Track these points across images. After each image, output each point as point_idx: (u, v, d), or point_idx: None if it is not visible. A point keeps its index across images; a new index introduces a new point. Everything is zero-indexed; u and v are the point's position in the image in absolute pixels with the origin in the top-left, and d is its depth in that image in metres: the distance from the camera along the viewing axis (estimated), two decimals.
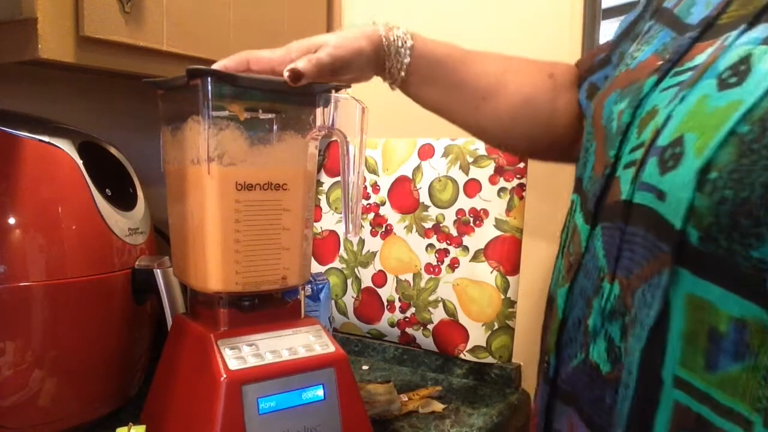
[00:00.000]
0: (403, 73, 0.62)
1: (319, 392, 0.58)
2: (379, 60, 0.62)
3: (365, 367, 0.94)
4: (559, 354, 0.49)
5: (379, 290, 0.96)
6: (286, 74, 0.55)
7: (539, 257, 0.90)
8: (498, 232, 0.87)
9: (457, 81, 0.64)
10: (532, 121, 0.66)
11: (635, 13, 0.60)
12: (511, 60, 0.68)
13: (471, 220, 0.88)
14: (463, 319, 0.89)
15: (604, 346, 0.43)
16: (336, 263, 1.00)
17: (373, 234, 0.96)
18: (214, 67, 0.56)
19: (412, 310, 0.93)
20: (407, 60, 0.62)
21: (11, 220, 0.59)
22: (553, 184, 0.89)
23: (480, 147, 0.89)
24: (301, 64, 0.55)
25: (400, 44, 0.61)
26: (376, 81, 0.63)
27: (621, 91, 0.47)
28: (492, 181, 0.87)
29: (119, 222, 0.66)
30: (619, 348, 0.41)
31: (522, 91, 0.65)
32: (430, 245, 0.91)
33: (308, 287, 0.81)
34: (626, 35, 0.60)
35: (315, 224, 1.01)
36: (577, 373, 0.46)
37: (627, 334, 0.40)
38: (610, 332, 0.42)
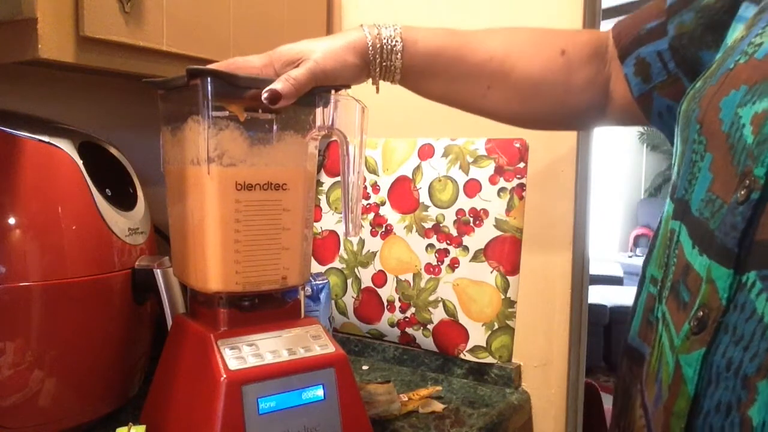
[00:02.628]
0: (397, 76, 0.61)
1: (319, 392, 0.58)
2: (368, 68, 0.60)
3: (365, 367, 0.94)
4: None
5: (379, 290, 0.96)
6: (264, 95, 0.52)
7: (539, 257, 0.90)
8: (498, 232, 0.87)
9: (457, 74, 0.61)
10: (545, 101, 0.62)
11: None
12: (515, 37, 0.62)
13: (471, 220, 0.88)
14: (463, 319, 0.89)
15: None
16: (336, 263, 1.00)
17: (373, 234, 0.96)
18: None
19: (412, 310, 0.93)
20: (398, 64, 0.59)
21: (11, 220, 0.59)
22: (553, 185, 0.89)
23: (480, 147, 0.89)
24: (279, 86, 0.53)
25: (389, 49, 0.59)
26: None
27: (750, 88, 0.37)
28: (492, 181, 0.87)
29: (119, 222, 0.66)
30: None
31: (530, 74, 0.60)
32: (430, 245, 0.91)
33: (308, 287, 0.81)
34: (686, 4, 0.52)
35: (315, 224, 1.01)
36: None
37: None
38: None
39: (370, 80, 0.62)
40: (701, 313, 0.36)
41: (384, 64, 0.59)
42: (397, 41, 0.59)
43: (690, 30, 0.52)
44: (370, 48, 0.59)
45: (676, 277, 0.41)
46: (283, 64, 0.57)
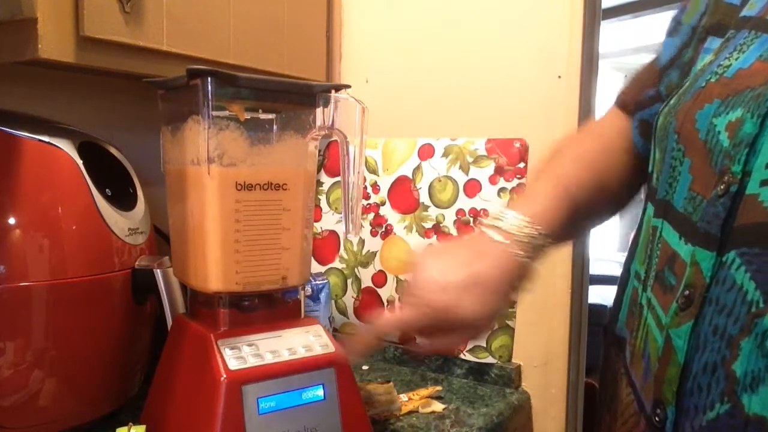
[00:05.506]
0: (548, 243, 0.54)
1: (319, 392, 0.58)
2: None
3: (365, 367, 0.94)
4: (681, 405, 0.41)
5: (379, 290, 0.96)
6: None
7: None
8: None
9: (591, 207, 0.59)
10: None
11: (679, 39, 0.56)
12: (595, 161, 0.61)
13: (471, 220, 0.88)
14: None
15: None
16: (336, 263, 1.00)
17: (373, 234, 0.96)
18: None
19: None
20: (549, 246, 0.53)
21: (11, 220, 0.59)
22: None
23: (480, 147, 0.89)
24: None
25: (534, 245, 0.52)
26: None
27: (723, 102, 0.42)
28: (492, 181, 0.87)
29: (119, 222, 0.66)
30: None
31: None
32: (430, 245, 0.91)
33: (308, 287, 0.81)
34: (672, 64, 0.57)
35: (315, 224, 1.01)
36: (718, 427, 0.39)
37: None
38: None
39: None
40: (687, 291, 0.41)
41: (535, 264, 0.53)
42: (539, 239, 0.52)
43: (676, 85, 0.56)
44: (521, 267, 0.51)
45: (660, 266, 0.46)
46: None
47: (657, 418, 0.43)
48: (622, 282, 0.56)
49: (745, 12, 0.48)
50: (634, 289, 0.52)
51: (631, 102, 0.62)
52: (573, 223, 0.56)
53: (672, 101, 0.49)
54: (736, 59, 0.44)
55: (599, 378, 0.58)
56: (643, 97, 0.61)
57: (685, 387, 0.41)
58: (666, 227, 0.46)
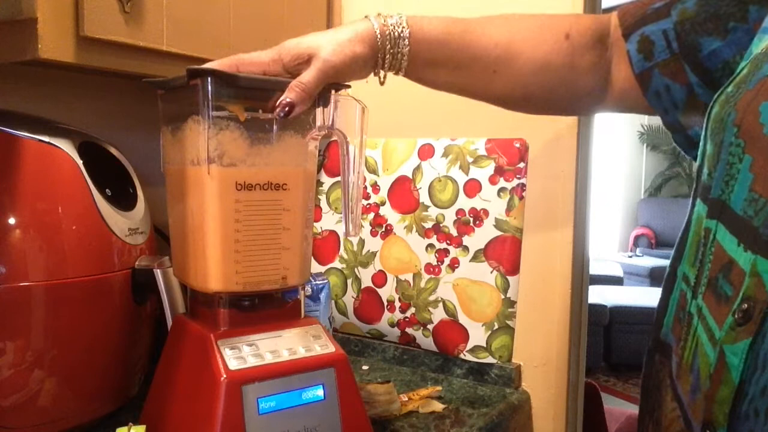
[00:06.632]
0: (404, 64, 0.60)
1: (319, 392, 0.58)
2: (376, 58, 0.60)
3: (365, 367, 0.94)
4: (733, 427, 0.39)
5: (379, 290, 0.96)
6: (277, 111, 0.54)
7: (539, 257, 0.90)
8: (498, 232, 0.87)
9: (463, 60, 0.61)
10: (550, 85, 0.63)
11: None
12: (518, 24, 0.63)
13: (471, 220, 0.88)
14: (463, 319, 0.89)
15: None
16: (336, 263, 1.00)
17: (373, 234, 0.96)
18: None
19: (412, 310, 0.93)
20: (406, 51, 0.59)
21: (11, 220, 0.59)
22: (553, 185, 0.89)
23: (480, 147, 0.89)
24: (292, 96, 0.53)
25: (396, 35, 0.59)
26: (376, 80, 0.63)
27: None
28: (492, 181, 0.87)
29: (119, 222, 0.66)
30: None
31: (534, 59, 0.61)
32: (430, 245, 0.91)
33: (308, 287, 0.81)
34: None
35: (315, 224, 1.01)
36: None
37: None
38: None
39: (373, 76, 0.62)
40: (746, 305, 0.38)
41: (392, 51, 0.59)
42: (403, 27, 0.59)
43: (692, 16, 0.54)
44: (378, 36, 0.58)
45: (714, 273, 0.42)
46: (291, 59, 0.57)
47: None
48: (668, 284, 0.52)
49: None
50: (681, 293, 0.48)
51: (629, 16, 0.60)
52: (444, 60, 0.60)
53: (730, 89, 0.46)
54: None
55: (641, 382, 0.55)
56: (646, 11, 0.58)
57: (739, 410, 0.38)
58: (721, 230, 0.42)
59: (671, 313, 0.50)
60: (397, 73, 0.62)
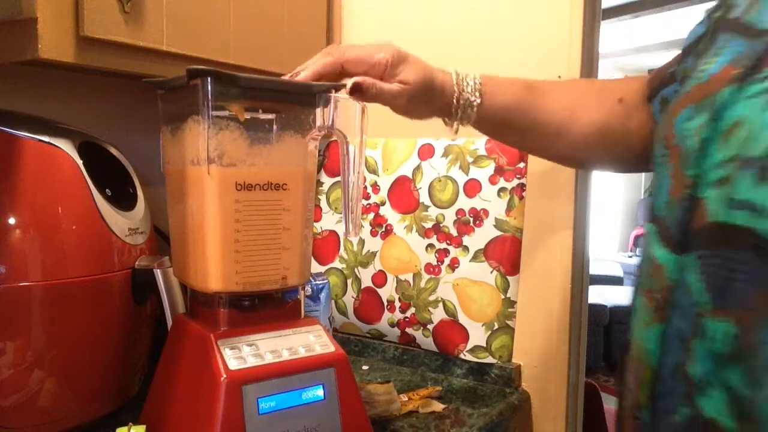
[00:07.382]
0: (471, 123, 0.64)
1: (319, 392, 0.58)
2: (444, 110, 0.63)
3: (365, 367, 0.94)
4: (654, 408, 0.42)
5: (379, 290, 0.96)
6: (351, 83, 0.57)
7: (539, 257, 0.90)
8: (498, 232, 0.87)
9: (528, 124, 0.65)
10: (608, 146, 0.67)
11: (701, 28, 0.57)
12: (579, 90, 0.68)
13: (471, 220, 0.88)
14: (463, 319, 0.89)
15: (723, 398, 0.37)
16: (336, 263, 1.00)
17: (373, 234, 0.96)
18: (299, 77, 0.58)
19: (412, 310, 0.93)
20: (474, 116, 0.63)
21: (11, 220, 0.59)
22: (553, 185, 0.89)
23: (480, 147, 0.89)
24: (369, 84, 0.57)
25: (466, 101, 0.62)
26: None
27: (695, 107, 0.44)
28: (492, 181, 0.87)
29: (119, 222, 0.66)
30: (745, 399, 0.35)
31: (593, 122, 0.65)
32: (430, 245, 0.91)
33: (308, 287, 0.81)
34: (690, 50, 0.58)
35: (315, 224, 1.01)
36: (682, 430, 0.40)
37: (757, 380, 0.35)
38: (728, 381, 0.37)
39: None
40: (659, 295, 0.43)
41: (462, 113, 0.63)
42: (476, 96, 0.62)
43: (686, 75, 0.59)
44: (455, 102, 0.62)
45: (645, 271, 0.48)
46: (395, 63, 0.59)
47: (637, 420, 0.45)
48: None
49: (732, 13, 0.49)
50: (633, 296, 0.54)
51: (654, 81, 0.65)
52: (512, 122, 0.65)
53: (669, 106, 0.52)
54: (713, 63, 0.46)
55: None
56: (665, 75, 0.63)
57: (657, 391, 0.42)
58: (652, 231, 0.48)
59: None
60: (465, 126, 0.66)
